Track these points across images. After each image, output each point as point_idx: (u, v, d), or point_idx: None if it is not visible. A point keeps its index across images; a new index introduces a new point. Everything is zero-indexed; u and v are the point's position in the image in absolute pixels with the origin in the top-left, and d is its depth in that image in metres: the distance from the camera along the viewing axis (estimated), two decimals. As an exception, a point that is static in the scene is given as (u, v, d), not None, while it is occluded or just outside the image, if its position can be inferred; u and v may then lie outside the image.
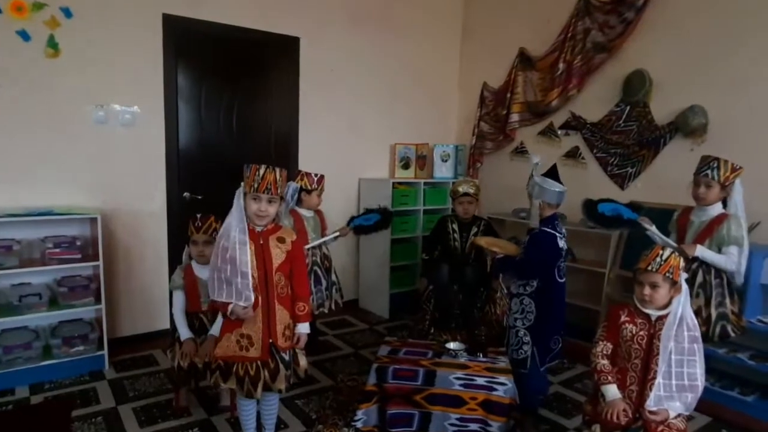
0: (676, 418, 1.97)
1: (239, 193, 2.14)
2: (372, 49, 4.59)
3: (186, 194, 3.83)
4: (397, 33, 4.72)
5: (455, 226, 3.66)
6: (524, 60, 4.59)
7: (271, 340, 2.20)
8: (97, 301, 3.26)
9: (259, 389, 2.19)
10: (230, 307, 2.11)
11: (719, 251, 2.63)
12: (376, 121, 4.71)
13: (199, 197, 3.84)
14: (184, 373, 2.63)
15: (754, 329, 2.99)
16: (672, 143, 3.67)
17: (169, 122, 3.69)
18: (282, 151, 4.20)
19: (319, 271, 3.41)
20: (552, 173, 2.79)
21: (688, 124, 3.51)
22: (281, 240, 2.25)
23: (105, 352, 3.31)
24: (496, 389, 2.51)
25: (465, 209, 3.57)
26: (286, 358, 2.26)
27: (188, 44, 3.74)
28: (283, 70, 4.18)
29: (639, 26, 3.79)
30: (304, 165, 4.13)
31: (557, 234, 2.70)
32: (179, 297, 2.69)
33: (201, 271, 2.66)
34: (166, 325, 3.73)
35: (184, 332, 2.66)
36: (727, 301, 2.67)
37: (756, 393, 3.02)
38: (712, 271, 2.67)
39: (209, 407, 2.85)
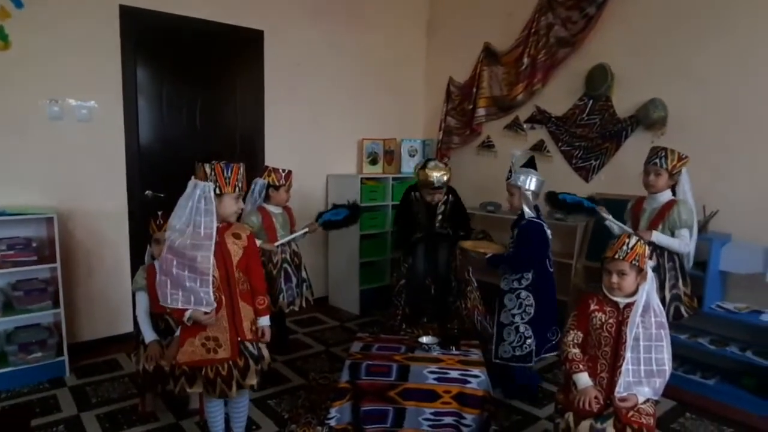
0: (645, 403, 2.01)
1: (204, 192, 2.02)
2: (338, 43, 4.54)
3: (148, 192, 3.71)
4: (363, 27, 4.69)
5: (417, 194, 3.47)
6: (489, 55, 4.63)
7: (239, 338, 2.15)
8: (56, 304, 3.13)
9: (234, 388, 2.14)
10: (187, 313, 2.03)
11: (672, 235, 2.76)
12: (343, 116, 4.66)
13: (162, 195, 3.72)
14: (149, 376, 2.54)
15: (713, 315, 3.11)
16: (633, 136, 3.76)
17: (129, 118, 3.56)
18: (248, 147, 4.12)
19: (289, 269, 3.35)
20: (531, 164, 2.87)
21: (648, 117, 3.60)
22: (237, 236, 2.20)
23: (65, 357, 3.18)
24: (469, 382, 2.51)
25: (434, 199, 3.40)
26: (255, 352, 2.22)
27: (148, 37, 3.61)
28: (248, 64, 4.09)
29: (600, 21, 3.86)
30: (270, 161, 4.05)
31: (543, 223, 2.77)
32: (142, 298, 2.60)
33: None
34: (130, 328, 3.61)
35: (149, 334, 2.58)
36: (680, 283, 2.83)
37: (717, 376, 3.13)
38: (666, 255, 2.80)
39: (177, 411, 2.76)
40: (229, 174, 2.09)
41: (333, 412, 2.57)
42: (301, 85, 4.36)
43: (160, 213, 2.61)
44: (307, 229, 3.40)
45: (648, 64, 3.64)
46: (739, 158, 3.22)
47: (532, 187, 2.81)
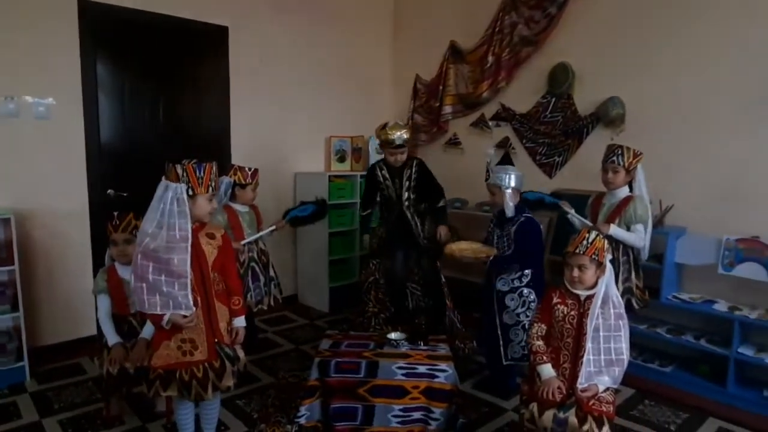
0: (605, 391, 2.08)
1: (177, 194, 1.99)
2: (304, 40, 4.52)
3: (110, 191, 3.63)
4: (329, 24, 4.67)
5: (385, 173, 3.44)
6: (455, 53, 4.68)
7: (216, 340, 2.14)
8: (14, 308, 3.03)
9: (210, 390, 2.13)
10: (166, 317, 2.01)
11: (628, 229, 2.86)
12: (310, 113, 4.64)
13: (125, 194, 3.64)
14: (114, 380, 2.49)
15: (669, 305, 3.23)
16: (594, 133, 3.87)
17: (89, 115, 3.47)
18: (213, 145, 4.05)
19: (256, 267, 3.34)
20: (507, 161, 2.91)
21: (607, 115, 3.70)
22: (211, 236, 2.18)
23: (25, 362, 3.08)
24: (437, 376, 2.55)
25: (396, 159, 3.36)
26: (231, 353, 2.22)
27: (108, 33, 3.52)
28: (212, 60, 4.03)
29: (562, 21, 3.95)
30: (237, 159, 4.01)
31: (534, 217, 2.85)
32: (104, 301, 2.55)
33: (125, 272, 2.52)
34: (93, 331, 3.51)
35: (112, 337, 2.53)
36: (633, 276, 2.93)
37: (673, 364, 3.26)
38: (620, 249, 2.90)
39: (144, 414, 2.72)
40: (202, 174, 2.06)
41: (302, 410, 2.57)
42: (267, 82, 4.32)
43: (116, 213, 2.56)
44: (274, 227, 3.38)
45: (607, 63, 3.75)
46: (692, 154, 3.35)
47: (512, 183, 2.84)
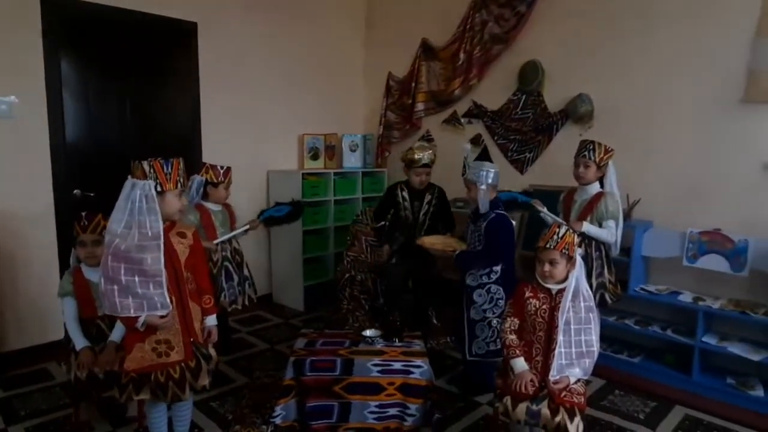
0: (576, 383, 2.13)
1: (145, 191, 1.95)
2: (275, 37, 4.47)
3: (77, 191, 3.53)
4: (301, 21, 4.64)
5: (405, 194, 3.44)
6: (427, 50, 4.70)
7: (191, 339, 2.13)
8: (-25, 314, 2.93)
9: (187, 391, 2.11)
10: (141, 319, 1.97)
11: (600, 226, 2.92)
12: (283, 111, 4.60)
13: (92, 195, 3.55)
14: (82, 385, 2.42)
15: (637, 297, 3.32)
16: (564, 129, 3.94)
17: (53, 113, 3.37)
18: (183, 144, 3.98)
19: (230, 267, 3.29)
20: (485, 156, 2.90)
21: (576, 111, 3.77)
22: (182, 235, 2.16)
23: (-12, 369, 2.99)
24: (412, 372, 2.57)
25: (422, 181, 3.36)
26: (206, 352, 2.20)
27: (72, 29, 3.42)
28: (181, 57, 3.96)
29: (531, 19, 4.01)
30: (208, 158, 3.95)
31: (507, 214, 2.84)
32: (70, 304, 2.48)
33: (93, 274, 2.46)
34: (60, 336, 3.41)
35: (80, 341, 2.46)
36: (605, 271, 2.98)
37: (641, 354, 3.35)
38: (593, 245, 2.95)
39: (115, 419, 2.66)
40: (170, 170, 2.03)
41: (278, 410, 2.56)
42: (238, 80, 4.26)
43: (83, 213, 2.50)
44: (248, 226, 3.34)
45: (575, 61, 3.82)
46: (658, 150, 3.45)
47: (489, 180, 2.82)
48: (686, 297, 3.21)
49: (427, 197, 3.43)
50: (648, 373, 3.22)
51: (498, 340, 2.80)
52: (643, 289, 3.35)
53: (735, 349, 2.96)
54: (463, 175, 2.95)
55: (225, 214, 3.36)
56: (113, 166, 3.57)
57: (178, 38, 3.92)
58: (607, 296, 2.95)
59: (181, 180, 2.09)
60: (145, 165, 1.98)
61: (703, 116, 3.27)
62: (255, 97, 4.39)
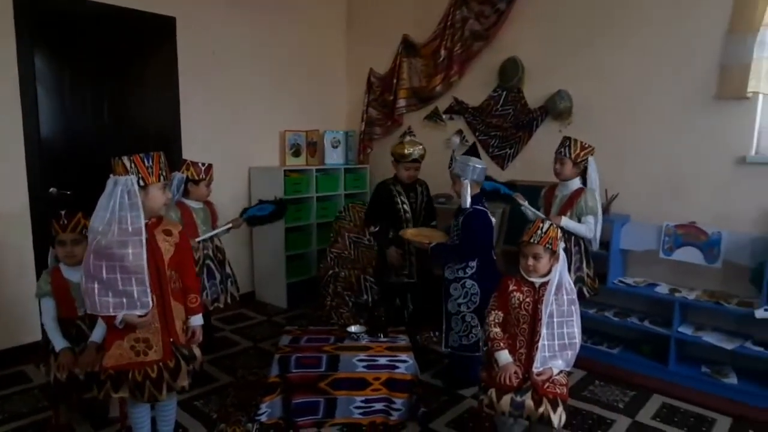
0: (559, 374, 2.17)
1: (127, 186, 1.92)
2: (256, 32, 4.43)
3: (53, 190, 3.45)
4: (281, 16, 4.60)
5: (399, 189, 3.36)
6: (408, 47, 4.71)
7: (171, 339, 2.10)
8: (-51, 316, 2.85)
9: (164, 391, 2.08)
10: (119, 317, 1.94)
11: (579, 221, 2.97)
12: (264, 107, 4.57)
13: (69, 193, 3.48)
14: (63, 387, 2.38)
15: (616, 289, 3.39)
16: (543, 125, 3.99)
17: (27, 110, 3.28)
18: (162, 140, 3.91)
19: (212, 265, 3.27)
20: (473, 152, 2.92)
21: (555, 108, 3.83)
22: (168, 233, 2.13)
23: (-37, 373, 2.91)
24: (398, 367, 2.58)
25: (411, 175, 3.33)
26: (187, 352, 2.18)
27: (47, 23, 3.34)
28: (160, 53, 3.89)
29: (511, 16, 4.04)
30: (188, 155, 3.89)
31: (487, 210, 2.85)
32: (48, 305, 2.43)
33: (72, 274, 2.41)
34: (37, 337, 3.34)
35: (59, 342, 2.41)
36: (584, 266, 3.05)
37: (620, 345, 3.43)
38: (572, 240, 3.01)
39: (96, 421, 2.62)
40: (151, 163, 2.01)
41: (263, 407, 2.55)
42: (219, 76, 4.21)
43: (63, 212, 2.45)
44: (230, 225, 3.33)
45: (554, 58, 3.87)
46: (634, 145, 3.51)
47: (474, 176, 2.83)
48: (663, 289, 3.29)
49: (418, 189, 3.43)
50: (627, 364, 3.29)
51: (470, 335, 2.87)
52: (621, 281, 3.42)
53: (710, 338, 3.05)
54: (449, 167, 2.96)
55: (206, 211, 3.34)
56: (90, 163, 3.53)
57: (156, 33, 3.86)
58: (585, 290, 3.02)
59: (164, 173, 2.07)
60: (126, 160, 1.96)
61: (678, 112, 3.35)
62: (236, 93, 4.35)
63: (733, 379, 2.99)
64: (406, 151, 3.27)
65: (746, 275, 3.03)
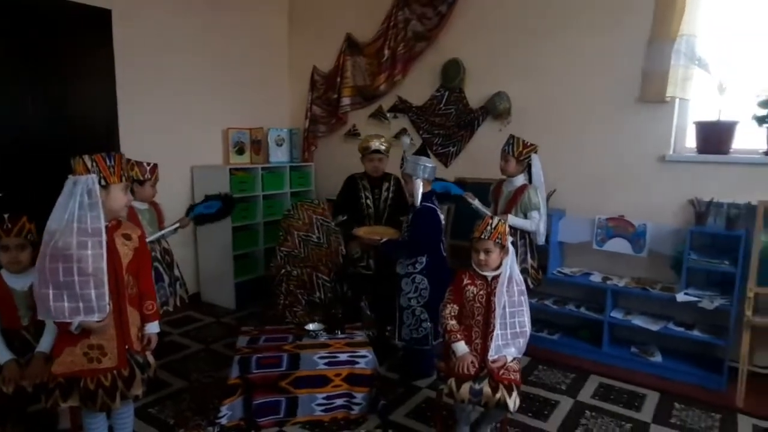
0: (512, 361, 2.32)
1: (88, 186, 1.87)
2: (196, 27, 4.31)
3: (-22, 193, 3.22)
4: (221, 10, 4.49)
5: (366, 183, 3.47)
6: (352, 45, 4.75)
7: (126, 346, 2.04)
8: None
9: (118, 400, 2.03)
10: (75, 323, 1.89)
11: (525, 216, 3.14)
12: (206, 104, 4.45)
13: (0, 194, 3.25)
14: (8, 401, 2.26)
15: (554, 279, 3.62)
16: (484, 125, 4.17)
17: (-52, 107, 3.05)
18: (99, 138, 3.73)
19: (160, 267, 3.18)
20: (423, 151, 3.00)
21: (495, 108, 4.02)
22: (127, 237, 2.09)
23: None
24: (358, 362, 2.65)
25: (375, 167, 3.42)
26: (141, 360, 2.13)
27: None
28: (94, 46, 3.70)
29: (452, 19, 4.19)
30: (127, 153, 3.67)
31: (437, 207, 2.93)
32: None
33: (15, 281, 2.30)
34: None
35: (4, 354, 2.29)
36: (529, 257, 3.24)
37: (560, 332, 3.67)
38: (518, 234, 3.18)
39: (45, 434, 2.51)
40: (113, 162, 1.97)
41: (223, 410, 2.54)
42: (158, 71, 4.07)
43: (6, 216, 2.32)
44: (178, 225, 3.27)
45: (494, 60, 4.05)
46: (568, 143, 3.76)
47: (425, 174, 2.93)
48: (596, 277, 3.56)
49: (385, 185, 3.51)
50: (566, 348, 3.54)
51: (420, 328, 2.97)
52: (559, 271, 3.66)
53: (638, 321, 3.34)
54: (401, 167, 3.05)
55: (152, 212, 3.25)
56: (20, 163, 3.32)
57: (90, 26, 3.67)
58: (529, 281, 3.20)
59: (125, 173, 2.03)
60: (86, 159, 1.92)
61: (606, 113, 3.62)
62: (176, 90, 4.21)
63: (658, 357, 3.30)
64: (365, 144, 3.40)
65: (668, 263, 3.34)
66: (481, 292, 2.36)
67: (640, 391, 3.04)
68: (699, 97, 3.36)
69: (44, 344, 2.29)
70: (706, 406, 2.88)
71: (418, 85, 4.47)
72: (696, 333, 3.17)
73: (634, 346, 3.43)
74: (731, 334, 3.04)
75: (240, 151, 4.63)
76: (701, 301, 3.07)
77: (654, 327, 3.27)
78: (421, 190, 2.94)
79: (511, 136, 3.19)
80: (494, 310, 2.30)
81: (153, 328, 2.20)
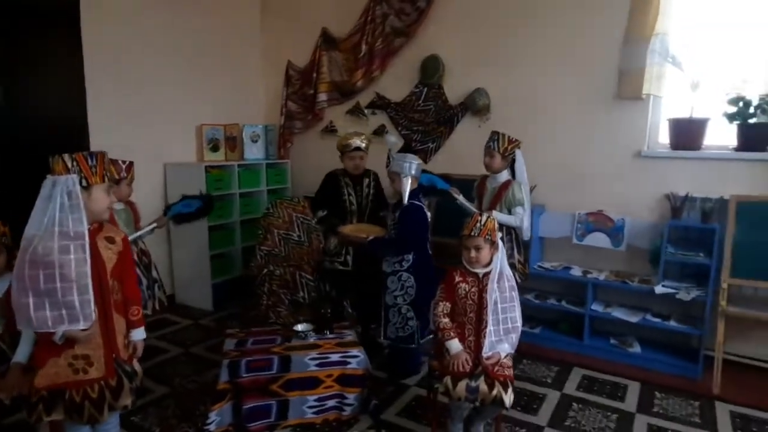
0: (505, 357, 2.33)
1: (68, 186, 1.78)
2: (169, 22, 4.15)
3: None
4: (193, 4, 4.35)
5: (348, 180, 3.44)
6: (328, 40, 4.68)
7: (114, 355, 1.96)
8: None
9: (105, 412, 1.94)
10: (59, 333, 1.79)
11: (510, 212, 3.17)
12: (179, 100, 4.31)
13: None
14: (-17, 414, 2.15)
15: (536, 273, 3.67)
16: (464, 121, 4.19)
17: None
18: (68, 135, 3.56)
19: (138, 270, 3.06)
20: (408, 149, 2.98)
21: (475, 104, 4.03)
22: (111, 240, 1.99)
23: None
24: (349, 362, 2.62)
25: (356, 165, 3.39)
26: (129, 369, 2.05)
27: None
28: (61, 39, 3.53)
29: (431, 15, 4.17)
30: (97, 150, 3.59)
31: (423, 205, 2.91)
32: None
33: None
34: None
35: (-24, 366, 2.17)
36: (515, 252, 3.26)
37: (541, 325, 3.73)
38: (503, 229, 3.19)
39: (22, 448, 2.39)
40: (94, 162, 1.87)
41: (212, 416, 2.47)
42: (129, 66, 3.90)
43: None
44: (155, 225, 3.16)
45: (473, 57, 4.06)
46: (547, 139, 3.80)
47: (412, 172, 2.92)
48: (576, 271, 3.62)
49: (366, 181, 3.49)
50: (548, 342, 3.60)
51: (406, 327, 2.96)
52: (540, 266, 3.72)
53: (617, 313, 3.42)
54: (387, 166, 3.02)
55: (128, 212, 3.14)
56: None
57: (56, 17, 3.49)
58: (516, 276, 3.22)
59: (107, 174, 1.93)
60: (67, 158, 1.82)
61: (585, 110, 3.68)
62: (148, 85, 4.06)
63: (637, 348, 3.39)
64: (345, 142, 3.35)
65: (646, 257, 3.43)
66: (472, 289, 2.36)
67: (621, 382, 3.12)
68: (672, 94, 3.45)
69: (21, 354, 2.15)
70: (685, 394, 2.98)
71: (397, 81, 4.44)
72: (673, 323, 3.28)
73: (613, 338, 3.51)
74: (706, 323, 3.15)
75: (214, 148, 4.51)
76: (678, 293, 3.17)
77: (633, 319, 3.36)
78: (409, 188, 2.92)
79: (496, 132, 3.20)
80: (486, 306, 2.30)
81: (139, 334, 2.12)
